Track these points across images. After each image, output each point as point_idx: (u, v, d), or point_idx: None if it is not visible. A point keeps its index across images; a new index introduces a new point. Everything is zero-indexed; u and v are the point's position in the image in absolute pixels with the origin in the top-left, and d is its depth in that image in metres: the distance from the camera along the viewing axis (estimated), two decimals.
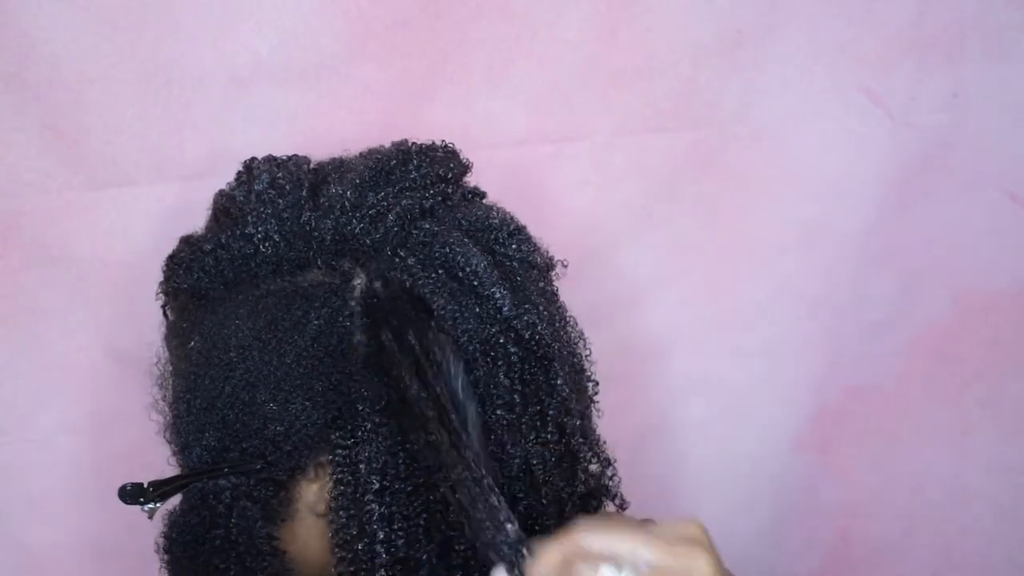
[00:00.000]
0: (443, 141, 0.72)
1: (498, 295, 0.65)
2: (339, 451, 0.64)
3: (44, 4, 0.77)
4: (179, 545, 0.66)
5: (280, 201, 0.67)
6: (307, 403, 0.63)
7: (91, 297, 0.87)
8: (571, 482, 0.68)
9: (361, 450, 0.63)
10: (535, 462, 0.66)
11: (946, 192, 1.01)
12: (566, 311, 0.71)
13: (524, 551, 0.60)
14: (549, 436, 0.66)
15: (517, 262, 0.68)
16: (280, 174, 0.68)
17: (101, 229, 0.85)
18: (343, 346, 0.64)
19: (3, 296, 0.85)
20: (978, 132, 0.98)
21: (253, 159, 0.71)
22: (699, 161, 0.96)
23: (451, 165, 0.71)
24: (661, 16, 0.89)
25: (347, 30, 0.83)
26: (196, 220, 0.72)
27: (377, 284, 0.65)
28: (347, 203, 0.67)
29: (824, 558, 1.14)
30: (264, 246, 0.66)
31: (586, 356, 0.71)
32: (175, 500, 0.67)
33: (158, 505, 0.65)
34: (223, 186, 0.71)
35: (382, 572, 0.63)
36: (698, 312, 1.02)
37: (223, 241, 0.67)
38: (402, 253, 0.66)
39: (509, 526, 0.61)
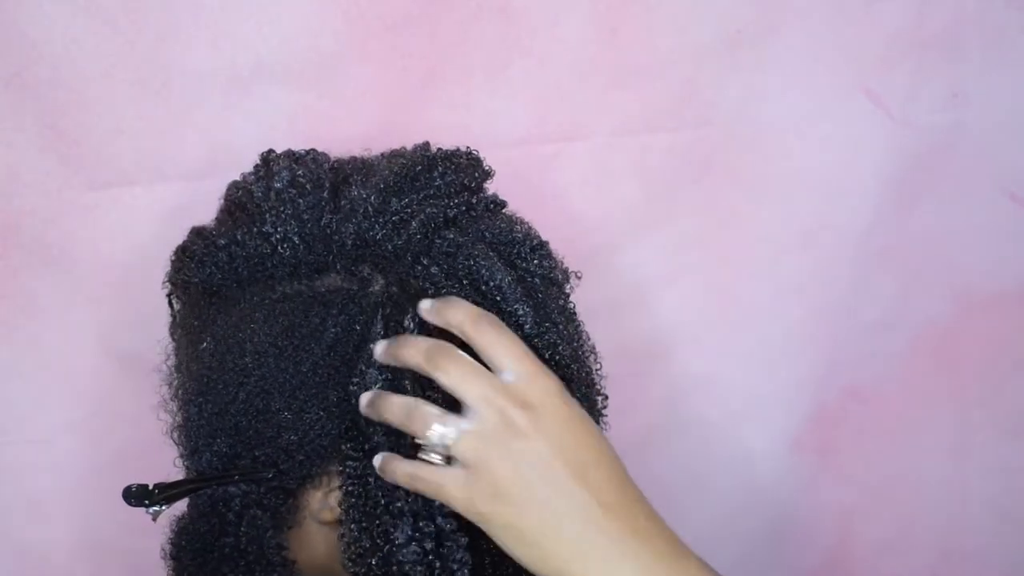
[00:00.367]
0: (467, 148, 0.71)
1: (521, 312, 0.64)
2: (350, 463, 0.63)
3: (44, 4, 0.77)
4: (187, 553, 0.65)
5: (300, 201, 0.65)
6: (322, 412, 0.63)
7: (91, 297, 0.87)
8: None
9: (371, 463, 0.62)
10: None
11: (946, 192, 1.01)
12: (581, 325, 0.71)
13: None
14: None
15: (539, 278, 0.67)
16: (300, 172, 0.67)
17: (101, 229, 0.84)
18: (359, 354, 0.63)
19: (3, 296, 0.85)
20: (978, 132, 0.98)
21: (271, 152, 0.70)
22: (699, 161, 0.96)
23: (475, 173, 0.69)
24: (661, 16, 0.89)
25: (347, 30, 0.83)
26: (196, 220, 0.71)
27: (396, 291, 0.64)
28: (370, 207, 0.65)
29: (824, 558, 1.14)
30: (282, 247, 0.64)
31: (596, 370, 0.71)
32: (180, 504, 0.66)
33: (163, 508, 0.64)
34: (230, 180, 0.70)
35: None
36: (698, 312, 1.02)
37: (239, 238, 0.65)
38: (424, 261, 0.65)
39: None
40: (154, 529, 0.67)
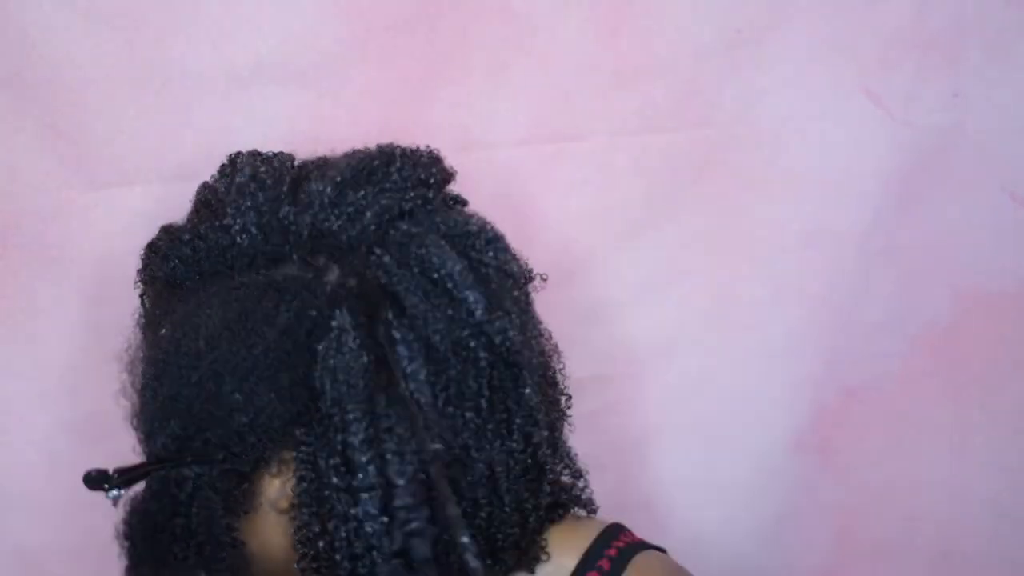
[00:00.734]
0: (427, 146, 0.72)
1: (471, 298, 0.65)
2: (302, 448, 0.64)
3: (44, 4, 0.77)
4: (139, 532, 0.67)
5: (260, 195, 0.67)
6: (273, 396, 0.63)
7: (91, 297, 0.87)
8: (536, 493, 0.68)
9: (322, 447, 0.63)
10: (499, 469, 0.66)
11: (946, 192, 1.00)
12: (540, 323, 0.72)
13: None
14: (515, 445, 0.66)
15: (493, 269, 0.68)
16: (263, 168, 0.69)
17: (101, 229, 0.85)
18: (311, 340, 0.64)
19: (3, 296, 0.85)
20: (978, 132, 0.98)
21: (238, 153, 0.72)
22: (699, 161, 0.96)
23: (433, 170, 0.71)
24: (661, 16, 0.89)
25: (347, 30, 0.83)
26: None
27: (351, 280, 0.65)
28: (326, 199, 0.67)
29: (824, 558, 1.14)
30: (241, 238, 0.66)
31: (560, 370, 0.71)
32: (139, 488, 0.67)
33: (122, 492, 0.65)
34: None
35: (343, 570, 0.62)
36: (698, 312, 1.02)
37: (201, 231, 0.67)
38: (378, 251, 0.66)
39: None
40: None
